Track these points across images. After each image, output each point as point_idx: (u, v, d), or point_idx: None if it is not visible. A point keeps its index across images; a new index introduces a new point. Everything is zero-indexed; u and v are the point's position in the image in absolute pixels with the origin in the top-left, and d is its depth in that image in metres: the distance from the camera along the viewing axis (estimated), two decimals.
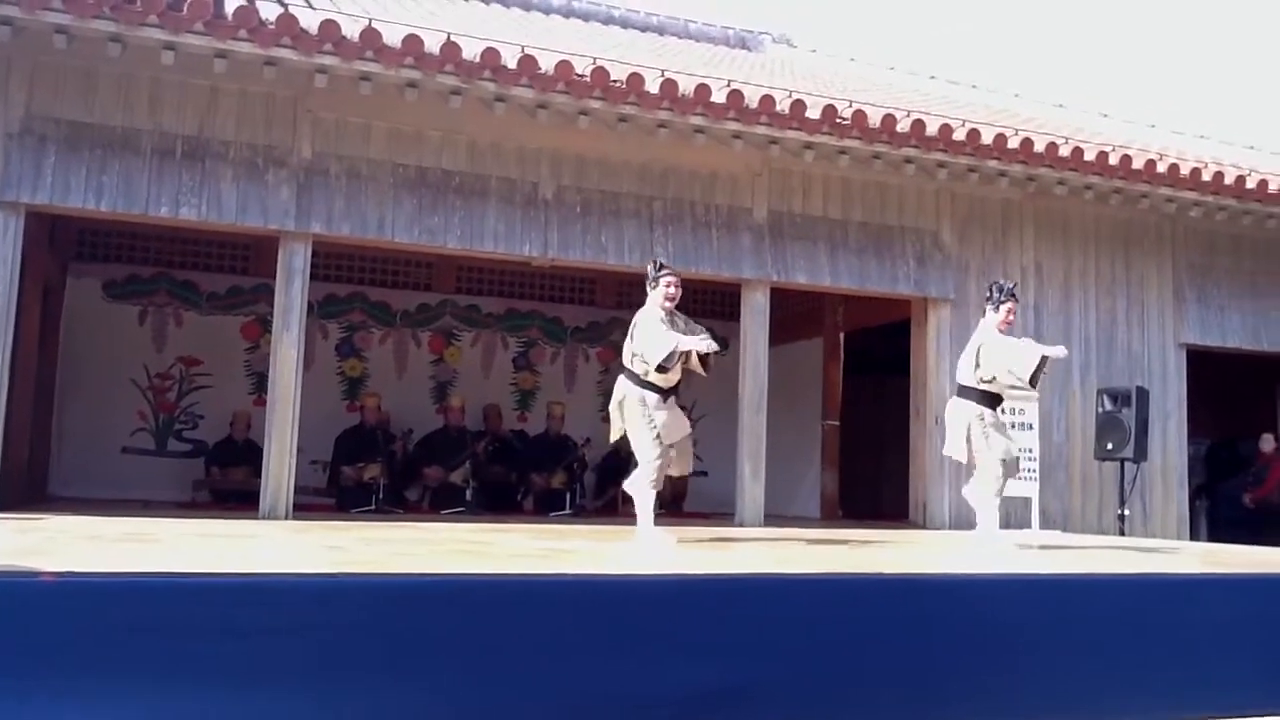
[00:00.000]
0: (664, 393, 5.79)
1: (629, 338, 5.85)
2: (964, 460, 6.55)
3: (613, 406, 5.92)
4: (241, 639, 2.77)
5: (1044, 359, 6.25)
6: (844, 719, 3.45)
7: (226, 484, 9.60)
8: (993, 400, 6.47)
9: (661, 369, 5.63)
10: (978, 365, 6.40)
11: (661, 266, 5.94)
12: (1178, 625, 4.02)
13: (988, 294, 6.67)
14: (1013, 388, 6.53)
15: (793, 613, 3.47)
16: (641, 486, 5.76)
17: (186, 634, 2.74)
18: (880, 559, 5.36)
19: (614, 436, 6.06)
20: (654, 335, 5.69)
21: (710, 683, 3.24)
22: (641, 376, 5.76)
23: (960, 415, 6.47)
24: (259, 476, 7.56)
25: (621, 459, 9.53)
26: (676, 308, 5.94)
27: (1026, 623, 3.81)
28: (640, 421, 5.73)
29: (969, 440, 6.39)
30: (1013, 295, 6.55)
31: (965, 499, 6.83)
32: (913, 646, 3.56)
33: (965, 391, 6.50)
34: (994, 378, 6.39)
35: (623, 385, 5.85)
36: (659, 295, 5.84)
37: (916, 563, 5.35)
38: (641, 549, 5.53)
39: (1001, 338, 6.48)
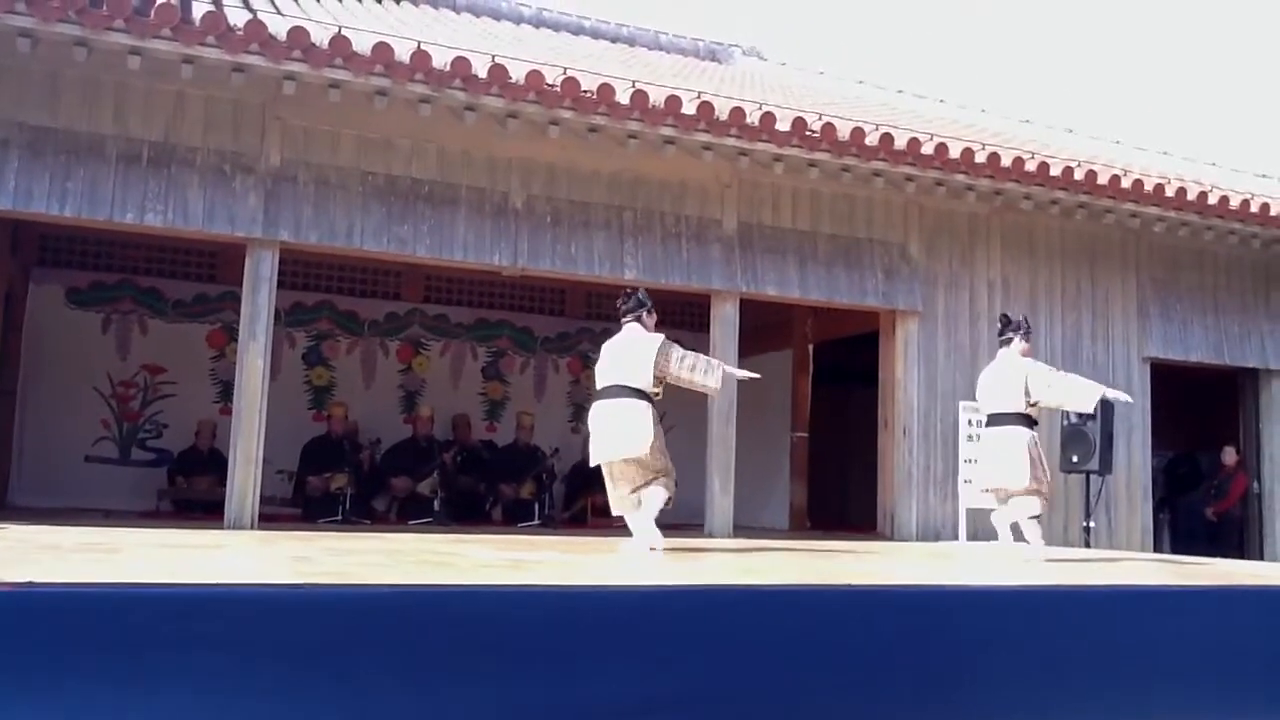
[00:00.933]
0: None
1: (647, 360, 6.02)
2: (1023, 488, 6.61)
3: (651, 427, 5.97)
4: (205, 651, 2.74)
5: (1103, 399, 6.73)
6: None
7: (191, 494, 9.51)
8: (1035, 424, 6.81)
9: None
10: (1028, 392, 6.69)
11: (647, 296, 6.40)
12: (1150, 637, 4.05)
13: (1008, 321, 7.06)
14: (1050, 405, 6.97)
15: (761, 624, 3.47)
16: (663, 497, 6.05)
17: (147, 645, 2.70)
18: (857, 569, 5.37)
19: (646, 452, 5.97)
20: (702, 359, 6.16)
21: (679, 693, 3.23)
22: (654, 398, 6.06)
23: (1017, 441, 6.64)
24: (224, 486, 7.48)
25: (588, 468, 9.53)
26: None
27: (1003, 634, 3.83)
28: (663, 440, 6.09)
29: (1031, 464, 6.55)
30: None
31: (994, 523, 6.90)
32: (884, 659, 3.56)
33: (1012, 418, 6.70)
34: (1037, 402, 6.71)
35: (646, 407, 6.00)
36: (653, 321, 6.29)
37: (901, 574, 5.35)
38: (619, 559, 5.54)
39: (1048, 367, 7.02)
